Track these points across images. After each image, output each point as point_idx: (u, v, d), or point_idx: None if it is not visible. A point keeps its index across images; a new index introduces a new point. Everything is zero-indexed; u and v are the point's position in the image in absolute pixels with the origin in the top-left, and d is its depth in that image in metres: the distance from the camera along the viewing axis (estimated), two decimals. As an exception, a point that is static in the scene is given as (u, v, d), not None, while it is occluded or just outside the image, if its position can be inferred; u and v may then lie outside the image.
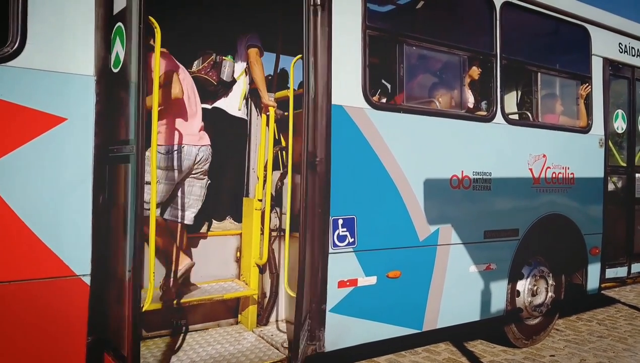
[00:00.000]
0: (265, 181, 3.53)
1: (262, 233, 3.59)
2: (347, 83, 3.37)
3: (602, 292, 5.47)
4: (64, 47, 2.44)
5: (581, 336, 5.09)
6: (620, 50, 5.30)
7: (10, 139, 2.30)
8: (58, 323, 2.42)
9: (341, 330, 3.36)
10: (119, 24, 2.50)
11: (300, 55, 3.15)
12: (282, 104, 3.89)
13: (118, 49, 2.52)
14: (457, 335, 4.71)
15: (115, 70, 2.53)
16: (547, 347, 4.74)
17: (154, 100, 2.63)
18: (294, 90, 3.53)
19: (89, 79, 2.49)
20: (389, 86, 4.71)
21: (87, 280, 2.47)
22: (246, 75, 4.06)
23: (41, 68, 2.38)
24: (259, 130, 3.60)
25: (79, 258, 2.45)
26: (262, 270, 3.65)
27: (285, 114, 3.90)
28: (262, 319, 3.69)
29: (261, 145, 3.77)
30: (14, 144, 2.30)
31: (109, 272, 2.56)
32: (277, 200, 3.77)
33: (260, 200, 3.58)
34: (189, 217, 3.41)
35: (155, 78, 2.65)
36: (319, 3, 3.23)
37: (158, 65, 2.63)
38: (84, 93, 2.48)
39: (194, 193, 3.42)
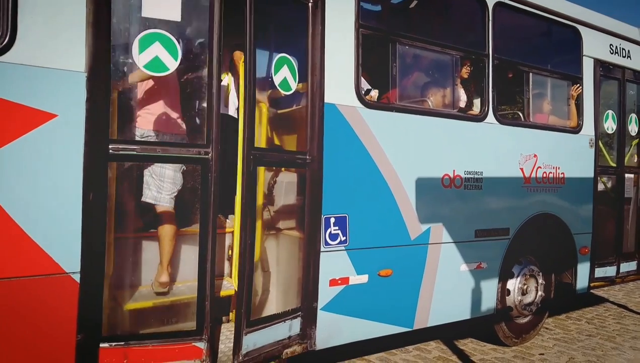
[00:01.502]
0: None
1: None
2: (340, 82, 3.37)
3: (591, 291, 5.53)
4: (55, 43, 2.42)
5: (570, 335, 5.13)
6: (611, 52, 5.34)
7: (1, 133, 2.28)
8: (47, 320, 2.40)
9: (332, 329, 3.37)
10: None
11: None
12: (273, 102, 3.87)
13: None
14: (448, 333, 4.74)
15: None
16: (536, 345, 4.77)
17: None
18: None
19: (80, 75, 2.46)
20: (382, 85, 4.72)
21: (77, 277, 2.45)
22: (227, 74, 4.07)
23: (31, 64, 2.35)
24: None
25: (68, 255, 2.43)
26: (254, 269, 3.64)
27: (278, 111, 3.90)
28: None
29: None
30: (3, 140, 2.28)
31: (104, 269, 2.55)
32: (269, 198, 3.76)
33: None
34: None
35: None
36: (312, 1, 3.23)
37: None
38: (74, 89, 2.45)
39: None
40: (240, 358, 2.93)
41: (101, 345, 2.55)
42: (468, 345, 4.73)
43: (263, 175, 3.56)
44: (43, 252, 2.36)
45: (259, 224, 3.45)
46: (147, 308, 2.99)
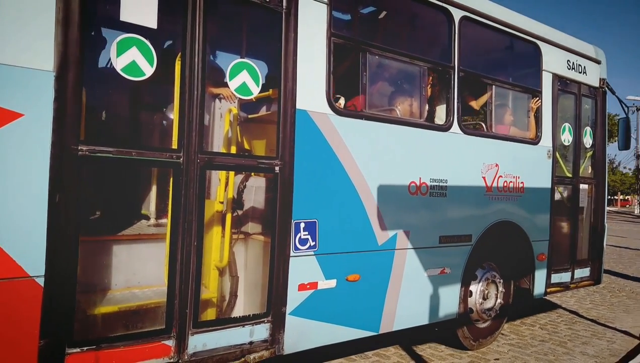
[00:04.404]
0: (227, 183, 3.51)
1: (223, 236, 3.57)
2: (311, 88, 3.41)
3: (545, 297, 5.74)
4: (22, 41, 2.36)
5: (524, 340, 5.27)
6: (569, 67, 5.60)
7: (-38, 134, 2.21)
8: (7, 325, 2.32)
9: (300, 333, 3.39)
10: None
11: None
12: (244, 106, 3.89)
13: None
14: (408, 338, 4.84)
15: None
16: (492, 350, 4.88)
17: None
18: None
19: (47, 75, 2.41)
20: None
21: (41, 281, 2.39)
22: None
23: (-3, 62, 2.29)
24: (222, 132, 3.58)
25: (32, 258, 2.37)
26: (221, 273, 3.62)
27: (249, 116, 3.91)
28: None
29: (223, 146, 3.75)
30: (-34, 139, 2.21)
31: (70, 272, 2.49)
32: (237, 203, 3.76)
33: (222, 203, 3.56)
34: None
35: None
36: (284, 9, 3.26)
37: None
38: (42, 89, 2.40)
39: None
40: (186, 357, 2.91)
41: (68, 350, 2.49)
42: (426, 350, 4.79)
43: (232, 179, 3.56)
44: (5, 255, 2.29)
45: (224, 227, 3.45)
46: (116, 311, 2.94)
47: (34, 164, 2.39)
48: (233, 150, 3.56)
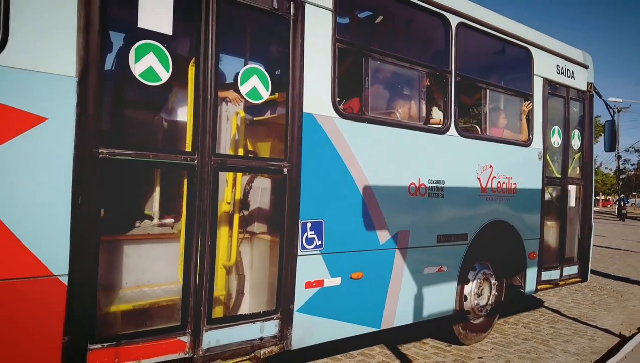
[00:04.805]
0: (234, 184, 3.61)
1: (230, 236, 3.67)
2: (317, 92, 3.52)
3: (536, 294, 5.91)
4: (45, 47, 2.44)
5: (507, 339, 5.33)
6: (558, 72, 5.79)
7: (-9, 137, 2.28)
8: (33, 323, 2.40)
9: (307, 329, 3.50)
10: None
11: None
12: (250, 109, 3.98)
13: None
14: (393, 338, 4.89)
15: None
16: (475, 349, 4.94)
17: None
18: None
19: (70, 80, 2.49)
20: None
21: (65, 280, 2.47)
22: None
23: (22, 67, 2.36)
24: (228, 134, 3.67)
25: (56, 258, 2.45)
26: (228, 272, 3.72)
27: (254, 119, 4.01)
28: None
29: (230, 148, 3.84)
30: (-5, 141, 2.28)
31: (91, 271, 2.57)
32: (244, 203, 3.85)
33: (229, 203, 3.65)
34: None
35: None
36: (292, 16, 3.37)
37: None
38: (65, 94, 2.47)
39: None
40: (201, 353, 3.01)
41: (90, 346, 2.58)
42: (411, 349, 4.83)
43: (239, 180, 3.66)
44: (31, 255, 2.37)
45: (232, 227, 3.54)
46: (130, 309, 3.02)
47: (57, 167, 2.46)
48: (240, 152, 3.65)
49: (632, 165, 47.60)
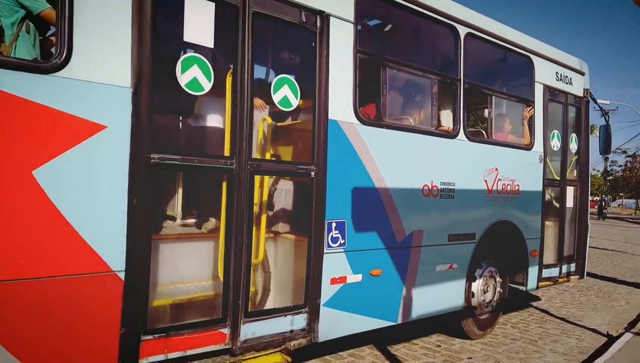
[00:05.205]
0: (261, 186, 3.81)
1: (258, 235, 3.87)
2: (340, 100, 3.75)
3: (537, 290, 6.18)
4: (104, 61, 2.63)
5: (496, 339, 5.39)
6: (557, 79, 6.08)
7: (58, 143, 2.47)
8: (95, 315, 2.60)
9: (332, 323, 3.73)
10: None
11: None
12: (274, 115, 4.19)
13: None
14: (382, 338, 4.97)
15: None
16: (465, 349, 4.99)
17: None
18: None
19: (126, 90, 2.70)
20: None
21: (122, 275, 2.67)
22: None
23: (84, 79, 2.56)
24: (256, 139, 3.88)
25: (115, 255, 2.65)
26: (255, 269, 3.93)
27: (278, 124, 4.23)
28: None
29: (257, 153, 4.05)
30: (62, 148, 2.47)
31: (144, 268, 2.77)
32: (269, 204, 4.07)
33: (256, 204, 3.86)
34: None
35: None
36: (318, 29, 3.60)
37: None
38: (121, 103, 2.68)
39: None
40: (238, 344, 3.23)
41: (143, 337, 2.78)
42: (400, 350, 4.88)
43: (267, 183, 3.87)
44: (94, 252, 2.57)
45: (263, 228, 3.75)
46: (181, 302, 3.23)
47: (115, 171, 2.67)
48: (267, 156, 3.87)
49: (619, 166, 48.50)
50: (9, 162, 2.34)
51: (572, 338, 5.52)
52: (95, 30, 2.61)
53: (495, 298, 5.43)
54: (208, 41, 3.05)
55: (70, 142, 2.51)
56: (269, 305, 3.81)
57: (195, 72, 2.98)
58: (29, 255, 2.38)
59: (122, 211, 2.68)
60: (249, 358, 3.27)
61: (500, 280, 5.48)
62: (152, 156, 2.80)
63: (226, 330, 3.15)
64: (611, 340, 5.39)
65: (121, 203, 2.68)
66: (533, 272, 5.76)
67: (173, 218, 3.99)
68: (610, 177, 48.87)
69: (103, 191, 2.63)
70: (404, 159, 4.25)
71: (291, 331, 3.51)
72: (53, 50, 2.74)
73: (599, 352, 4.96)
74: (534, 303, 7.15)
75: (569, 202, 6.42)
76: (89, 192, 2.58)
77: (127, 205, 2.69)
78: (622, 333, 5.52)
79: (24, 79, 2.40)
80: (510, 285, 5.81)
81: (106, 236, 2.63)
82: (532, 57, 5.66)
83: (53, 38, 3.17)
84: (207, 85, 3.05)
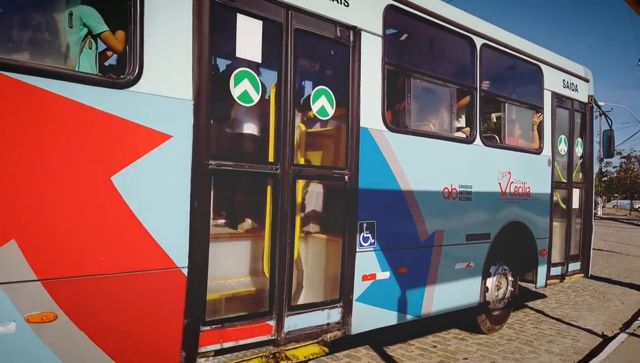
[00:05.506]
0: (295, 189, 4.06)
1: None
2: (370, 109, 4.02)
3: (545, 287, 6.47)
4: (170, 77, 2.89)
5: (492, 339, 5.42)
6: (564, 86, 6.38)
7: (132, 152, 2.73)
8: (163, 306, 2.86)
9: (363, 317, 4.00)
10: None
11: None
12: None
13: None
14: (379, 339, 4.94)
15: None
16: (461, 350, 5.03)
17: None
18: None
19: (188, 103, 2.96)
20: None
21: (185, 271, 2.93)
22: None
23: (153, 93, 2.81)
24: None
25: (179, 252, 2.91)
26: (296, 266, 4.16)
27: (309, 131, 4.49)
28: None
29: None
30: (135, 156, 2.73)
31: (203, 264, 3.03)
32: (302, 206, 4.32)
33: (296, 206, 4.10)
34: None
35: None
36: (351, 43, 3.87)
37: None
38: (185, 114, 2.94)
39: None
40: (283, 335, 3.50)
41: (202, 327, 3.04)
42: (397, 350, 4.90)
43: (301, 186, 4.13)
44: (162, 251, 2.83)
45: (297, 228, 4.02)
46: (232, 296, 3.49)
47: (180, 175, 2.93)
48: (301, 161, 4.13)
49: (614, 167, 48.99)
50: (92, 169, 2.60)
51: (568, 339, 5.57)
52: (162, 50, 2.87)
53: (507, 296, 5.72)
54: (256, 56, 3.32)
55: (141, 150, 2.77)
56: (307, 300, 4.07)
57: (245, 85, 3.25)
58: (108, 252, 2.64)
59: (186, 212, 2.94)
60: (290, 349, 3.53)
61: (512, 278, 5.76)
62: (210, 162, 3.06)
63: (272, 322, 3.42)
64: (606, 340, 5.42)
65: (185, 206, 2.94)
66: (542, 270, 6.05)
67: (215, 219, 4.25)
68: (605, 178, 49.36)
69: (169, 194, 2.89)
70: (426, 163, 4.53)
71: (328, 324, 3.78)
72: (110, 62, 2.99)
73: (594, 353, 4.99)
74: (530, 304, 7.21)
75: (575, 203, 6.72)
76: (158, 195, 2.84)
77: (189, 207, 2.95)
78: (617, 334, 5.56)
79: (103, 93, 2.65)
80: (520, 283, 6.10)
81: (172, 235, 2.89)
82: (541, 65, 5.96)
83: (109, 52, 3.45)
84: (255, 97, 3.32)
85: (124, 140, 2.71)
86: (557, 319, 6.42)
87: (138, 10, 2.75)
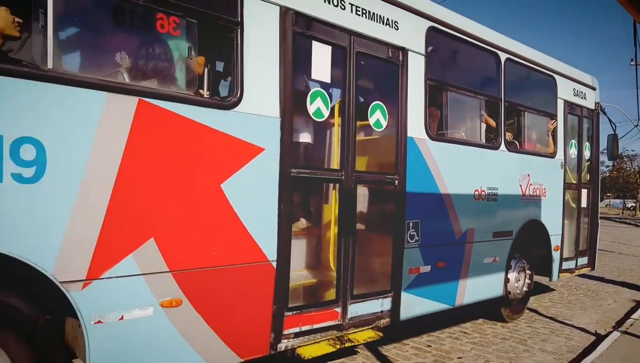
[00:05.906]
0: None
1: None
2: (415, 120, 4.52)
3: (556, 280, 6.99)
4: (263, 98, 3.36)
5: (486, 338, 5.51)
6: (574, 94, 6.93)
7: (235, 162, 3.20)
8: (257, 294, 3.34)
9: (408, 306, 4.50)
10: None
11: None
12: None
13: None
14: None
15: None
16: (455, 349, 5.08)
17: None
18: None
19: (276, 120, 3.43)
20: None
21: (274, 264, 3.42)
22: None
23: (251, 112, 3.29)
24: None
25: (270, 248, 3.39)
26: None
27: (364, 140, 4.97)
28: None
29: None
30: (238, 166, 3.20)
31: (287, 258, 3.52)
32: (369, 208, 4.75)
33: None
34: None
35: None
36: (400, 62, 4.36)
37: None
38: (274, 130, 3.41)
39: None
40: (347, 320, 4.00)
41: (286, 313, 3.53)
42: (391, 350, 4.97)
43: (361, 190, 4.62)
44: (257, 246, 3.31)
45: (356, 226, 4.51)
46: (308, 285, 3.98)
47: (270, 182, 3.41)
48: (362, 168, 4.60)
49: (607, 166, 49.84)
50: (208, 178, 3.07)
51: (561, 338, 5.64)
52: (257, 76, 3.34)
53: (525, 289, 6.26)
54: (327, 77, 3.80)
55: (243, 161, 3.24)
56: (364, 290, 4.53)
57: (319, 103, 3.73)
58: (219, 248, 3.12)
59: (275, 213, 3.42)
60: (350, 333, 4.03)
61: (529, 272, 6.30)
62: (292, 170, 3.54)
63: (339, 309, 3.92)
64: (599, 338, 5.50)
65: (274, 208, 3.42)
66: (555, 264, 6.60)
67: None
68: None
69: (263, 198, 3.37)
70: (460, 167, 5.04)
71: (381, 311, 4.28)
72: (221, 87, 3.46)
73: (587, 351, 5.06)
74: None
75: (583, 203, 7.28)
76: (255, 199, 3.32)
77: (277, 209, 3.44)
78: (610, 332, 5.64)
79: (212, 113, 3.12)
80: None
81: (265, 233, 3.37)
82: (555, 76, 6.49)
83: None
84: (326, 113, 3.80)
85: (230, 152, 3.18)
86: (551, 318, 6.52)
87: (239, 45, 3.23)
